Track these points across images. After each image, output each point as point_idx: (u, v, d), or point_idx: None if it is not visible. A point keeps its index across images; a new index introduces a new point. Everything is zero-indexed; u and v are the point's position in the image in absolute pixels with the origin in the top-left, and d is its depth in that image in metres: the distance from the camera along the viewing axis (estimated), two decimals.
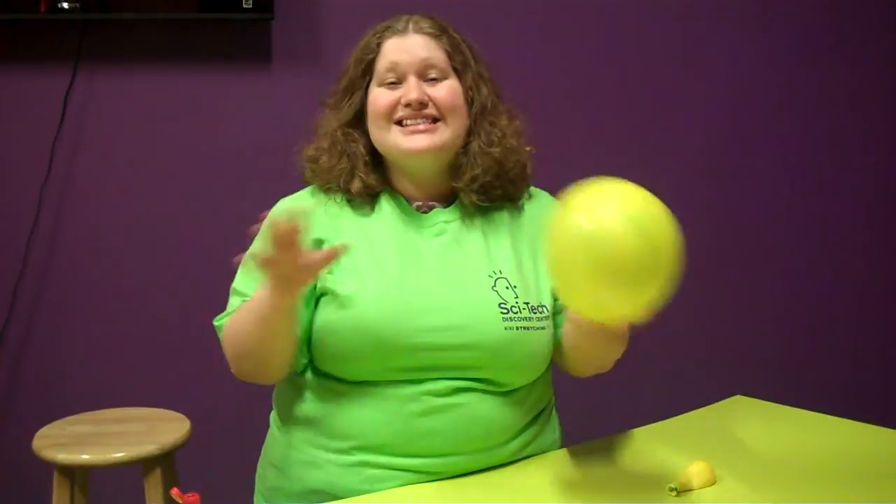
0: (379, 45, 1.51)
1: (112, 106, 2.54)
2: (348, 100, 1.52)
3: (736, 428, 1.63)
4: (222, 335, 1.48)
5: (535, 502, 1.37)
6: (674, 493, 1.35)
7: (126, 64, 2.53)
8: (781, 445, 1.55)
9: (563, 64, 2.76)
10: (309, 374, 1.48)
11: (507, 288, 1.46)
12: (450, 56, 1.51)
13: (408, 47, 1.49)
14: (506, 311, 1.44)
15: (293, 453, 1.49)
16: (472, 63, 1.53)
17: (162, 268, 2.62)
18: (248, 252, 1.52)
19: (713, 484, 1.38)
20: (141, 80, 2.55)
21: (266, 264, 1.28)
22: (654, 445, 1.56)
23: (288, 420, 1.52)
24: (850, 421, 1.65)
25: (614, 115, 2.81)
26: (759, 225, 2.95)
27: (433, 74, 1.49)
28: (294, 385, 1.50)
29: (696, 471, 1.38)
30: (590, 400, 2.27)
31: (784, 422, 1.68)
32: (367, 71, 1.51)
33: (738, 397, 1.80)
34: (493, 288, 1.45)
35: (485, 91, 1.53)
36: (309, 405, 1.48)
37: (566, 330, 1.49)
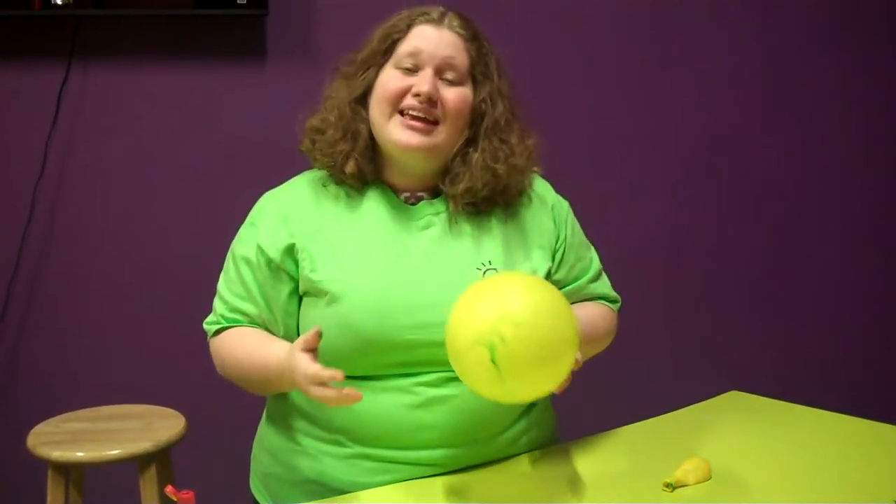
0: (409, 28, 1.47)
1: (106, 102, 2.53)
2: (363, 73, 1.49)
3: (731, 424, 1.63)
4: (210, 341, 1.52)
5: (530, 499, 1.37)
6: (669, 490, 1.35)
7: (120, 60, 2.52)
8: (776, 441, 1.55)
9: (559, 63, 2.75)
10: None
11: None
12: (473, 63, 1.48)
13: (436, 39, 1.46)
14: None
15: (288, 442, 1.50)
16: (495, 77, 1.50)
17: (156, 265, 2.61)
18: (230, 254, 1.51)
19: (708, 480, 1.38)
20: (135, 77, 2.54)
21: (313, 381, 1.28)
22: (649, 441, 1.57)
23: (282, 408, 1.52)
24: (845, 416, 1.66)
25: (610, 114, 2.81)
26: (754, 222, 2.96)
27: (450, 76, 1.46)
28: None
29: (691, 467, 1.38)
30: (585, 396, 2.26)
31: (779, 417, 1.68)
32: (390, 50, 1.48)
33: (733, 393, 1.80)
34: None
35: (500, 108, 1.50)
36: (301, 397, 1.47)
37: None
